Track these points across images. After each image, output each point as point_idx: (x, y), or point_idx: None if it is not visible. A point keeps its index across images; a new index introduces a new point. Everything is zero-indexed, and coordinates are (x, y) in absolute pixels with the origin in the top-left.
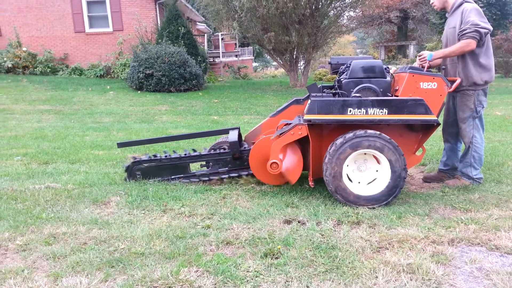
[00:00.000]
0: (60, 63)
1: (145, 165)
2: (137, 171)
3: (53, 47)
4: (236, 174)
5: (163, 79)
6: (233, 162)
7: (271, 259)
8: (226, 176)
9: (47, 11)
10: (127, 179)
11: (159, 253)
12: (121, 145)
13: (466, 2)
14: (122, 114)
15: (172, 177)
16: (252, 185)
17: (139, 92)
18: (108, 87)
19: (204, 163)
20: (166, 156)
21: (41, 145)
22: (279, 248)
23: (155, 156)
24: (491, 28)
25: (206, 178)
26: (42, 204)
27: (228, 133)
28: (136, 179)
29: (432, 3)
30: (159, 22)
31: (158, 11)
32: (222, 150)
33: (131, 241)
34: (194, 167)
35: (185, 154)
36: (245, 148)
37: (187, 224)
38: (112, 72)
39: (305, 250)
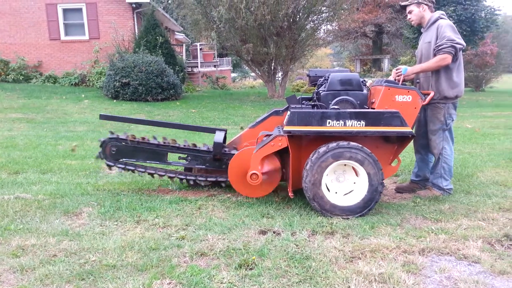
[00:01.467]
0: (33, 70)
1: (123, 143)
2: (113, 148)
3: (26, 55)
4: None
5: (140, 88)
6: (212, 162)
7: (246, 270)
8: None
9: (21, 17)
10: (100, 155)
11: (131, 265)
12: (103, 117)
13: (441, 18)
14: (97, 123)
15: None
16: (228, 195)
17: (115, 101)
18: (83, 95)
19: (184, 156)
20: (145, 139)
21: (12, 154)
22: (254, 259)
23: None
24: (465, 44)
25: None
26: (11, 215)
27: (214, 132)
28: (108, 158)
29: (409, 18)
30: (136, 31)
31: (136, 20)
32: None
33: (103, 253)
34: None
35: (165, 142)
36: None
37: (161, 236)
38: (88, 80)
39: (280, 260)
